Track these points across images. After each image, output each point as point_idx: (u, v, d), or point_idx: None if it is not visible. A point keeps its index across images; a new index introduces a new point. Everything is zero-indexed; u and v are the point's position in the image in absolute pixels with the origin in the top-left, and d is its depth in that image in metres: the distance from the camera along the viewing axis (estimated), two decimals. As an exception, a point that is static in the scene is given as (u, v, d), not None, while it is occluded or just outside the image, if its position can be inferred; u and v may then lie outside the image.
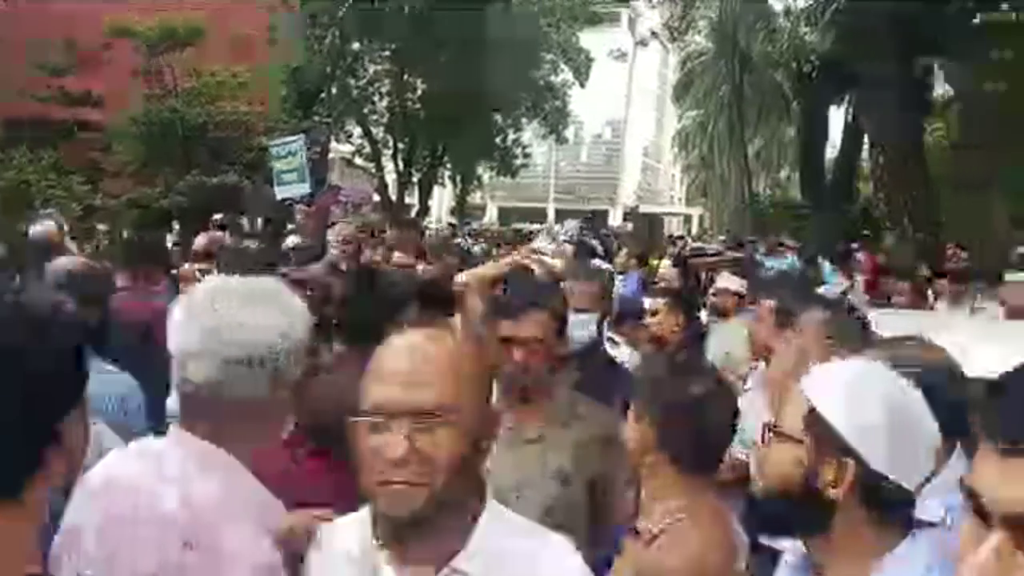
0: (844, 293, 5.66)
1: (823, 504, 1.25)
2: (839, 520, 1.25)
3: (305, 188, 9.35)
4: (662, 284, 4.89)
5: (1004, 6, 16.04)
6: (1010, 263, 7.52)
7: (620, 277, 5.43)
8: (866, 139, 19.37)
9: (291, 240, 6.54)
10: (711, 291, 4.35)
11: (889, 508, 1.26)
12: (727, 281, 4.24)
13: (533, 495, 1.95)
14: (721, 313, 4.14)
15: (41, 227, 5.63)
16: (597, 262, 5.03)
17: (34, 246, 4.87)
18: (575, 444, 2.04)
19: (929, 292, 5.74)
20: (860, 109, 20.26)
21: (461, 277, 2.88)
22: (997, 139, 13.95)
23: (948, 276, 5.64)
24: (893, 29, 14.46)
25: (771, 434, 1.34)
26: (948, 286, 5.36)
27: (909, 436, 1.24)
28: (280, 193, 9.74)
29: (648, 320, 3.57)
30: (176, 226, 12.05)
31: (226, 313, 1.33)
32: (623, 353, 3.39)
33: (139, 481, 1.32)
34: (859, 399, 1.24)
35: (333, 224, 6.36)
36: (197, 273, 4.15)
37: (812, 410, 1.27)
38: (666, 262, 5.58)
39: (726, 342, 3.70)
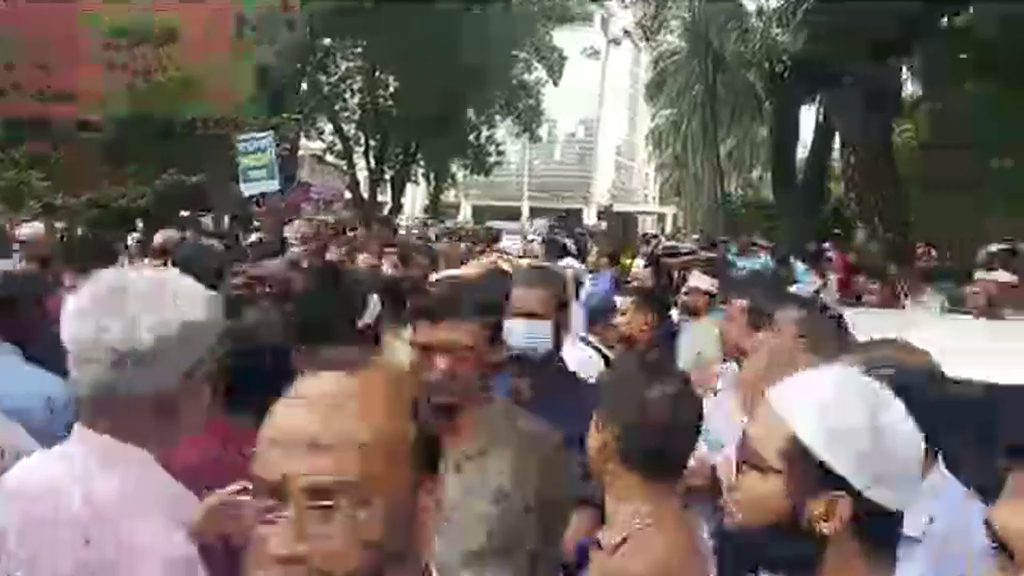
0: (817, 292, 5.63)
1: (811, 538, 1.15)
2: (831, 554, 1.15)
3: (274, 185, 9.19)
4: (634, 283, 4.81)
5: (971, 8, 16.27)
6: (978, 262, 7.51)
7: (592, 276, 5.36)
8: (837, 139, 19.54)
9: (253, 237, 6.39)
10: (683, 290, 4.28)
11: (883, 536, 1.17)
12: (698, 280, 4.17)
13: (471, 517, 1.79)
14: (692, 312, 4.08)
15: (30, 229, 5.43)
16: (569, 261, 4.97)
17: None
18: (514, 461, 1.86)
19: (900, 291, 5.72)
20: (831, 109, 20.43)
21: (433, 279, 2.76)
22: (965, 139, 14.14)
23: (918, 275, 5.61)
24: (863, 30, 14.55)
25: (746, 464, 1.22)
26: (917, 285, 5.33)
27: (901, 458, 1.15)
28: (247, 190, 9.56)
29: (617, 319, 3.48)
30: (140, 224, 11.81)
31: (115, 308, 1.30)
32: (587, 358, 3.29)
33: (56, 482, 1.31)
34: (844, 423, 1.13)
35: (291, 221, 6.22)
36: (154, 271, 4.03)
37: (792, 438, 1.15)
38: (639, 261, 5.48)
39: (697, 342, 3.63)
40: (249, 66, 17.63)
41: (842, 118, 17.79)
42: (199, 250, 4.10)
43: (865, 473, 1.12)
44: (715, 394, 2.65)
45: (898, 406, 1.17)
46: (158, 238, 4.99)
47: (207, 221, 11.60)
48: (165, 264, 4.05)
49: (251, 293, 3.20)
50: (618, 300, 3.74)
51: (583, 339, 3.62)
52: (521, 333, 2.35)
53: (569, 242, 8.37)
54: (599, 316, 3.71)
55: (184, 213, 8.85)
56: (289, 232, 5.08)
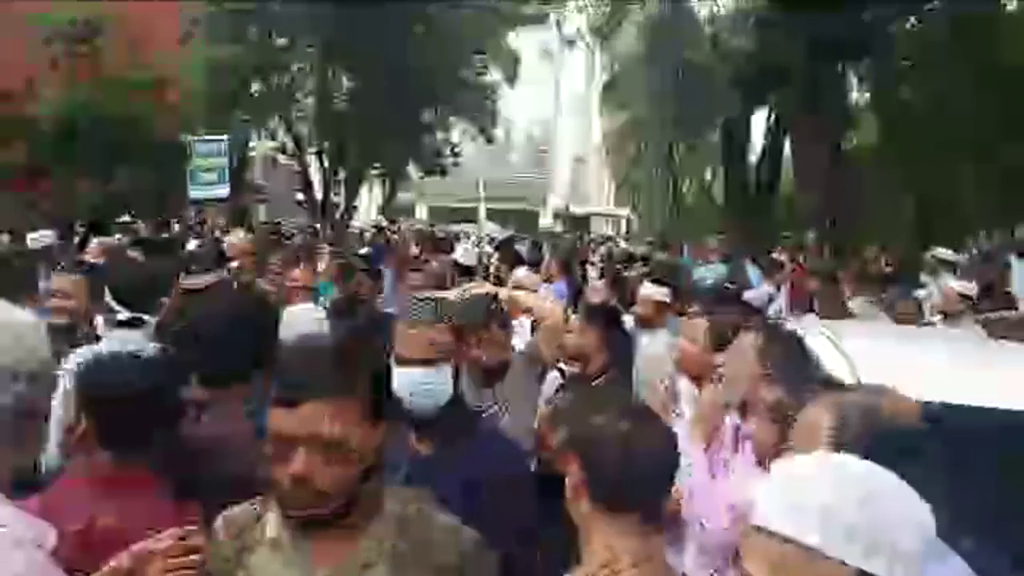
0: (770, 299, 5.62)
1: None
2: None
3: (223, 191, 8.99)
4: (590, 296, 4.71)
5: (915, 19, 16.65)
6: (923, 267, 7.65)
7: (546, 287, 5.26)
8: (788, 143, 19.84)
9: (190, 245, 6.16)
10: (636, 300, 4.20)
11: None
12: (650, 290, 4.10)
13: None
14: (646, 323, 4.01)
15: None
16: (523, 272, 4.86)
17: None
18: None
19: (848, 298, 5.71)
20: (782, 113, 20.74)
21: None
22: (913, 144, 14.44)
23: (867, 281, 5.63)
24: (813, 35, 14.77)
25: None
26: (867, 291, 5.35)
27: (921, 550, 1.10)
28: (194, 193, 9.32)
29: (568, 339, 3.29)
30: (82, 229, 11.39)
31: None
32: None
33: None
34: (850, 522, 1.07)
35: (227, 231, 6.00)
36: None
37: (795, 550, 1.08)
38: (593, 274, 5.35)
39: (652, 357, 3.55)
40: (199, 65, 17.22)
41: (792, 122, 18.07)
42: (123, 265, 3.90)
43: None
44: (676, 414, 2.58)
45: (905, 490, 1.12)
46: (93, 246, 4.76)
47: (142, 226, 11.24)
48: (90, 272, 3.82)
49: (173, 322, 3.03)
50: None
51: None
52: (409, 385, 1.98)
53: (524, 248, 8.27)
54: None
55: (124, 219, 8.54)
56: (228, 241, 4.85)
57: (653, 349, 3.76)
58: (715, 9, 25.86)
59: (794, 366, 1.88)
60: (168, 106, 14.46)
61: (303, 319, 3.25)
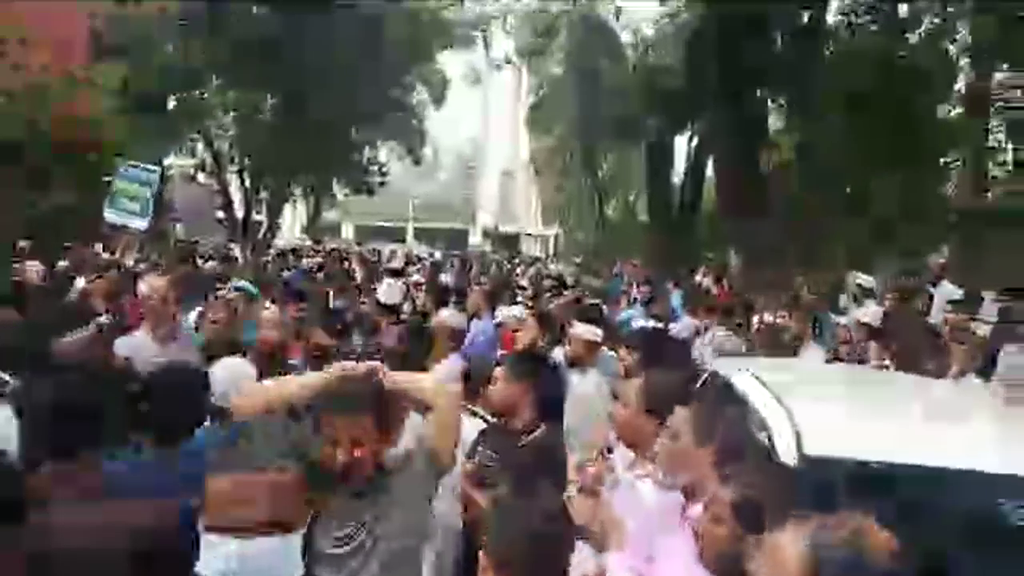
0: (697, 331, 5.60)
1: None
2: None
3: (143, 224, 8.62)
4: (517, 336, 4.50)
5: (828, 50, 17.30)
6: (846, 291, 7.82)
7: (474, 323, 5.07)
8: (710, 164, 20.31)
9: (80, 281, 5.77)
10: (565, 341, 4.09)
11: None
12: (580, 329, 4.01)
13: None
14: (577, 363, 3.91)
15: None
16: (447, 312, 4.66)
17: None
18: None
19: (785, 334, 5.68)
20: (702, 137, 21.25)
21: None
22: (832, 171, 14.92)
23: (793, 312, 5.67)
24: (733, 61, 15.17)
25: None
26: (796, 324, 5.39)
27: None
28: (110, 215, 8.88)
29: (492, 388, 3.02)
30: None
31: None
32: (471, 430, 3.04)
33: None
34: None
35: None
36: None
37: None
38: (518, 311, 5.10)
39: (584, 400, 3.45)
40: (110, 81, 16.57)
41: (712, 146, 18.52)
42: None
43: None
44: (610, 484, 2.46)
45: None
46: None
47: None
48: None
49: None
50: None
51: (467, 409, 3.31)
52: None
53: (449, 277, 8.09)
54: (479, 379, 3.37)
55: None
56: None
57: (583, 389, 3.68)
58: (639, 35, 26.40)
59: (738, 446, 1.82)
60: (76, 125, 13.83)
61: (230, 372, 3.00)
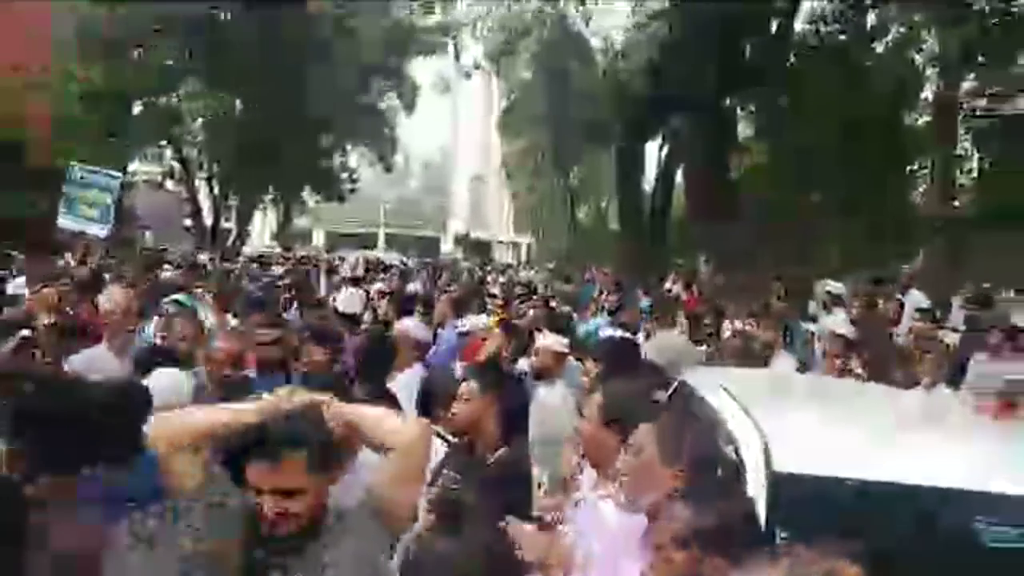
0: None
1: None
2: None
3: (103, 231, 8.35)
4: (481, 347, 4.34)
5: (793, 58, 17.46)
6: (815, 299, 7.80)
7: (440, 332, 4.90)
8: (680, 170, 20.38)
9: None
10: (531, 352, 3.96)
11: None
12: (546, 340, 3.90)
13: None
14: (543, 375, 3.79)
15: None
16: (411, 321, 4.49)
17: None
18: None
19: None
20: (673, 143, 21.33)
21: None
22: (791, 178, 15.04)
23: (763, 319, 5.60)
24: (702, 69, 15.24)
25: None
26: (767, 332, 5.31)
27: None
28: (64, 221, 8.62)
29: (455, 407, 2.82)
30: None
31: None
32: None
33: None
34: None
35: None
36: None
37: None
38: (483, 319, 4.96)
39: (550, 412, 3.34)
40: (72, 86, 16.26)
41: (683, 153, 18.59)
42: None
43: None
44: (577, 491, 2.35)
45: None
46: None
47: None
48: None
49: None
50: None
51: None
52: None
53: (417, 286, 7.93)
54: (438, 397, 3.19)
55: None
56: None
57: (549, 401, 3.57)
58: (609, 40, 26.47)
59: (706, 465, 1.74)
60: (38, 129, 13.55)
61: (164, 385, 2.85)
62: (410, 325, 4.37)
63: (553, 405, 3.53)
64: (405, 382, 3.70)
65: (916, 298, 6.90)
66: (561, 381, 3.79)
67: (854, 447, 2.07)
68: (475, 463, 2.64)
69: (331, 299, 6.78)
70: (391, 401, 3.36)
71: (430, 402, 3.19)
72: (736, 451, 1.99)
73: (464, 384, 2.83)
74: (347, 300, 5.70)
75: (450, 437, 2.97)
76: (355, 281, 8.88)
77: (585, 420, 2.39)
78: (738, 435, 2.06)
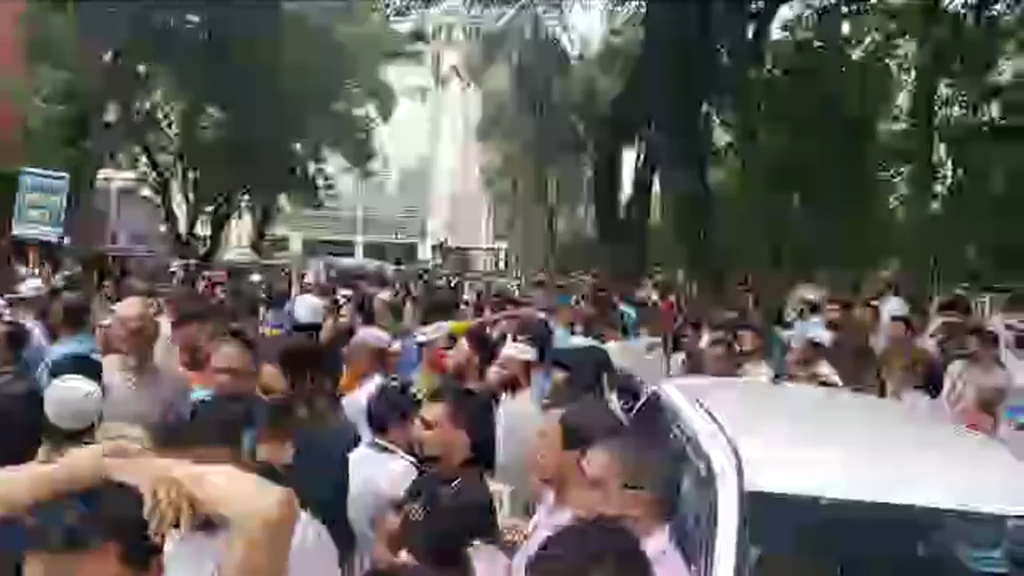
0: (651, 348, 5.37)
1: None
2: None
3: (54, 234, 8.16)
4: (445, 357, 4.16)
5: (767, 68, 17.54)
6: (791, 305, 7.74)
7: (397, 344, 4.69)
8: (657, 179, 20.36)
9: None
10: (497, 362, 3.79)
11: None
12: (512, 349, 3.74)
13: None
14: (510, 386, 3.62)
15: None
16: (365, 331, 4.29)
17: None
18: None
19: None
20: (648, 152, 21.32)
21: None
22: (773, 187, 15.07)
23: (749, 330, 5.47)
24: (677, 79, 15.20)
25: None
26: (750, 340, 5.20)
27: None
28: (20, 229, 8.41)
29: (423, 433, 2.53)
30: None
31: None
32: (398, 472, 2.69)
33: None
34: None
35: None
36: None
37: None
38: (443, 328, 4.71)
39: (515, 432, 3.17)
40: (39, 90, 15.96)
41: (658, 161, 18.55)
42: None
43: None
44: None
45: None
46: None
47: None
48: None
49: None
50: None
51: (377, 445, 2.95)
52: None
53: (387, 293, 7.72)
54: (392, 412, 2.96)
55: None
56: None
57: (517, 413, 3.39)
58: (586, 48, 26.53)
59: (672, 496, 1.62)
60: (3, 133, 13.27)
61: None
62: (367, 333, 4.18)
63: (519, 419, 3.35)
64: (359, 395, 3.49)
65: (893, 305, 6.84)
66: (529, 392, 3.62)
67: (831, 463, 1.95)
68: (439, 490, 2.42)
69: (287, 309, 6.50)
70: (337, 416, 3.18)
71: (384, 417, 3.02)
72: (708, 469, 1.87)
73: (435, 407, 2.57)
74: (305, 308, 5.41)
75: (410, 457, 2.80)
76: (323, 290, 8.62)
77: (544, 439, 2.21)
78: (710, 451, 1.93)
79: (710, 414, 2.26)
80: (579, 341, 4.59)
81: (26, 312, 5.54)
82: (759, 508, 1.72)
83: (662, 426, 2.44)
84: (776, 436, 2.22)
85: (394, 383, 3.54)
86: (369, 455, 2.95)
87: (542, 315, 6.15)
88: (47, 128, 15.63)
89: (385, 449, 2.93)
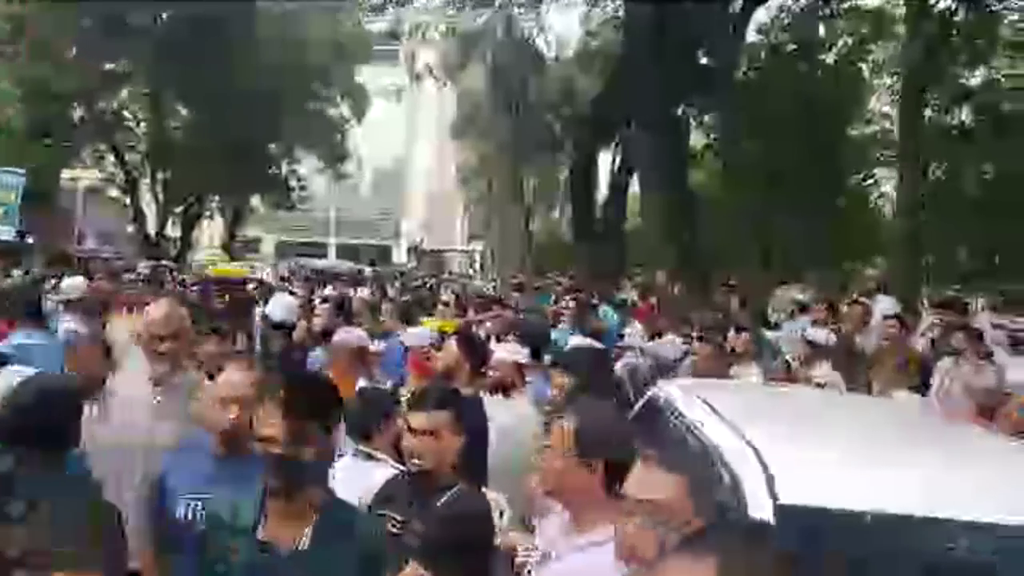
0: (642, 352, 5.19)
1: None
2: None
3: (9, 232, 7.86)
4: (433, 360, 3.87)
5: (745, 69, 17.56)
6: (776, 306, 7.65)
7: (379, 344, 4.47)
8: (635, 179, 20.30)
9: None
10: (489, 365, 3.58)
11: None
12: (505, 351, 3.55)
13: None
14: (503, 390, 3.42)
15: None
16: (346, 331, 4.05)
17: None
18: None
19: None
20: (626, 152, 21.26)
21: None
22: (746, 185, 15.06)
23: (741, 331, 5.33)
24: (655, 77, 15.13)
25: None
26: (742, 342, 5.06)
27: None
28: (-20, 230, 8.09)
29: (414, 441, 2.28)
30: None
31: None
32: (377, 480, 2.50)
33: None
34: None
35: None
36: None
37: None
38: (426, 331, 4.46)
39: (508, 439, 2.99)
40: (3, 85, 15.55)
41: (636, 162, 18.47)
42: None
43: None
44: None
45: None
46: None
47: None
48: None
49: None
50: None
51: (362, 452, 2.72)
52: None
53: (364, 292, 7.51)
54: (375, 418, 2.74)
55: None
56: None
57: (508, 421, 3.19)
58: (562, 48, 26.44)
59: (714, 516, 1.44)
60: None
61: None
62: (347, 333, 3.94)
63: (512, 427, 3.16)
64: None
65: (884, 304, 6.75)
66: (523, 396, 3.43)
67: (871, 474, 1.78)
68: (425, 500, 2.19)
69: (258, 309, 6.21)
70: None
71: (366, 422, 2.77)
72: (732, 480, 1.70)
73: (430, 415, 2.29)
74: (279, 307, 5.11)
75: (393, 463, 2.58)
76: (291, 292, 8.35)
77: (552, 451, 1.94)
78: (733, 461, 1.76)
79: (727, 421, 2.09)
80: (579, 341, 4.37)
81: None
82: (794, 524, 1.56)
83: (674, 433, 2.27)
84: (804, 444, 2.06)
85: (377, 386, 3.33)
86: (353, 465, 2.73)
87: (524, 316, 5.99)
88: (9, 125, 15.21)
89: (370, 457, 2.71)
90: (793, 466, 1.71)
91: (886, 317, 5.79)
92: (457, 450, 2.29)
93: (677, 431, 2.25)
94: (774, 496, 1.59)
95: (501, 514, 2.30)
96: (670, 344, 5.40)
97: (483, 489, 2.28)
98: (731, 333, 5.09)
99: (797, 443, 2.03)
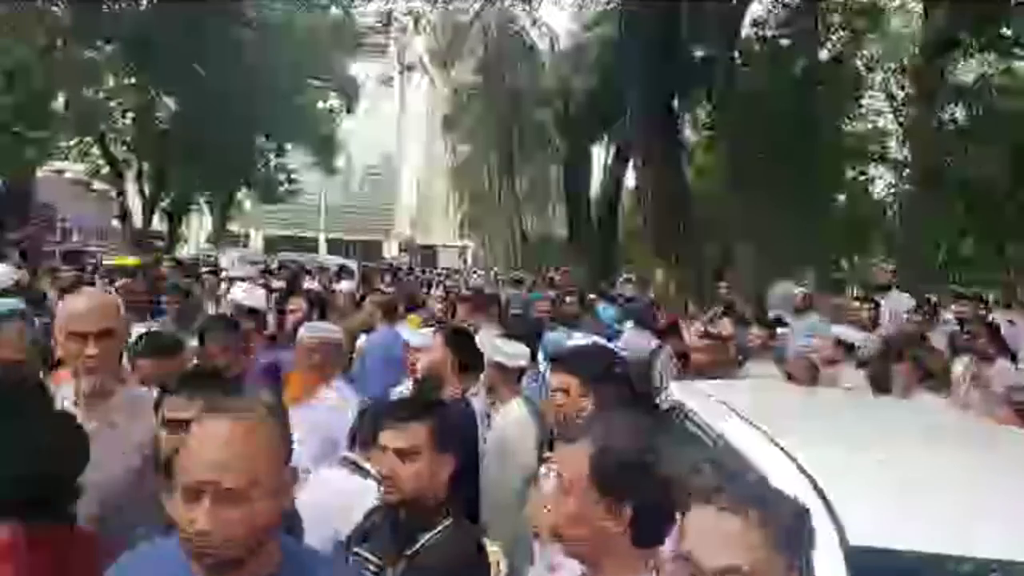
0: (654, 354, 4.83)
1: None
2: None
3: None
4: (424, 362, 3.25)
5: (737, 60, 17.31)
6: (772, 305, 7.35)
7: (363, 341, 4.12)
8: (630, 174, 20.05)
9: None
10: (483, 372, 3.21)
11: None
12: (500, 353, 3.16)
13: None
14: (495, 395, 3.07)
15: None
16: (322, 326, 3.64)
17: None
18: None
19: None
20: (621, 146, 20.99)
21: None
22: (737, 180, 14.82)
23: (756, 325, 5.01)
24: (649, 71, 14.85)
25: None
26: (755, 335, 4.73)
27: None
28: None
29: (395, 468, 1.87)
30: None
31: None
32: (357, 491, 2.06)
33: None
34: None
35: None
36: None
37: None
38: (424, 336, 3.99)
39: (501, 451, 2.65)
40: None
41: (632, 156, 18.20)
42: None
43: None
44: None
45: None
46: None
47: None
48: None
49: None
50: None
51: (352, 464, 2.37)
52: None
53: (347, 285, 7.15)
54: (364, 431, 2.35)
55: None
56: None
57: (503, 430, 2.84)
58: (555, 42, 26.12)
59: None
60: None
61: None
62: (311, 329, 3.50)
63: (509, 430, 2.80)
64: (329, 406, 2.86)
65: (897, 299, 6.42)
66: (517, 402, 3.01)
67: (951, 512, 1.43)
68: (410, 537, 1.79)
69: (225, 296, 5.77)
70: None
71: (366, 432, 2.32)
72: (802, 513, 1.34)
73: (408, 428, 1.88)
74: (248, 292, 4.71)
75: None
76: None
77: (561, 486, 1.45)
78: (783, 485, 1.41)
79: (773, 441, 1.73)
80: (580, 340, 3.98)
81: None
82: (864, 568, 1.24)
83: (700, 449, 1.92)
84: (866, 468, 1.70)
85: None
86: (336, 478, 2.37)
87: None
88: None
89: (358, 467, 2.33)
90: (864, 502, 1.37)
91: (907, 312, 5.48)
92: (442, 476, 1.88)
93: (719, 455, 1.86)
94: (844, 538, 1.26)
95: (497, 564, 1.89)
96: (643, 336, 5.08)
97: (477, 524, 1.89)
98: (753, 329, 4.74)
99: (862, 469, 1.68)
